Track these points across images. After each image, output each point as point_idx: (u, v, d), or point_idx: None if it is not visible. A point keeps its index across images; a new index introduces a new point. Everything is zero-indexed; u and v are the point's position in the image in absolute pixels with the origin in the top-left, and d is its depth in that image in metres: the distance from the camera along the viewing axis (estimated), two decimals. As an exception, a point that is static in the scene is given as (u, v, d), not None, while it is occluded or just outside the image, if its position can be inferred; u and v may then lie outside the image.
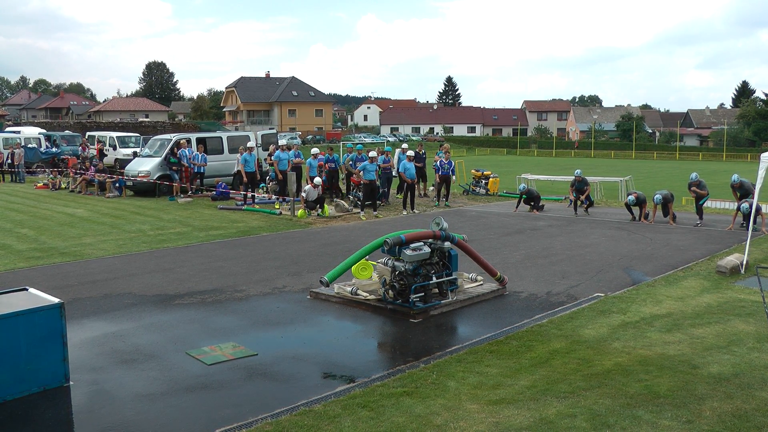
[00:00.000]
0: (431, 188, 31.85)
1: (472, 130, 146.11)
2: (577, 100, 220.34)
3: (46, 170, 42.60)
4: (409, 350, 10.55)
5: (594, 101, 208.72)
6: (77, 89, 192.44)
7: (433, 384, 8.88)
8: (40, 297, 9.85)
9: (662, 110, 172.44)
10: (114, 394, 8.99)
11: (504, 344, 10.52)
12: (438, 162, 28.78)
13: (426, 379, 9.05)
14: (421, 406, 8.17)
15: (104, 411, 8.48)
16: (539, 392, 8.52)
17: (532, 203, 26.68)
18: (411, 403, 8.27)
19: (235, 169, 30.53)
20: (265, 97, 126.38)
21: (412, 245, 12.32)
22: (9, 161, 41.29)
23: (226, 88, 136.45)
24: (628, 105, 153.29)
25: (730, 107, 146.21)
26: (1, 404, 8.70)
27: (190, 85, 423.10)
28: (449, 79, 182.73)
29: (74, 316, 11.94)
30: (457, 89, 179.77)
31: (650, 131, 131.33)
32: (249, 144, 29.98)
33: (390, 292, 12.45)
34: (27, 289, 10.31)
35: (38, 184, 37.02)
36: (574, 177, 25.83)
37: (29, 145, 45.86)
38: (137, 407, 8.55)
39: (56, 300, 9.50)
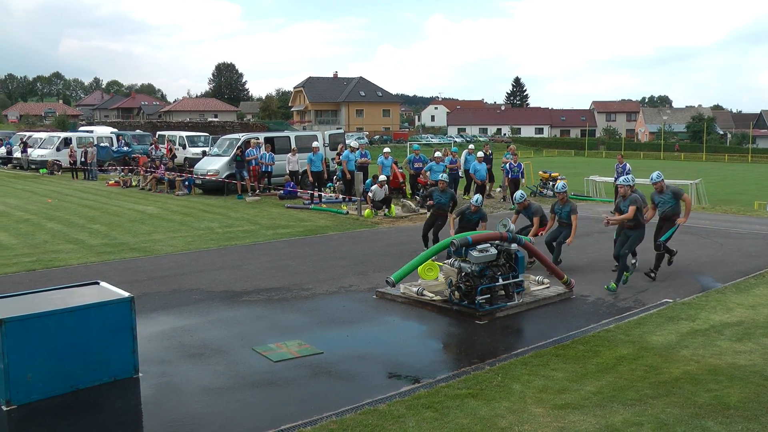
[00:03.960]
0: (498, 189, 31.70)
1: (540, 131, 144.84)
2: (646, 100, 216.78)
3: (118, 168, 43.43)
4: (475, 352, 10.52)
5: (664, 102, 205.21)
6: (148, 90, 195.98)
7: (498, 386, 8.85)
8: (110, 291, 10.09)
9: (734, 111, 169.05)
10: (181, 387, 9.16)
11: (570, 348, 10.43)
12: (507, 164, 28.58)
13: (491, 382, 9.02)
14: (485, 408, 8.15)
15: (171, 403, 8.66)
16: (605, 398, 8.42)
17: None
18: (476, 405, 8.25)
19: (288, 169, 30.75)
20: (333, 97, 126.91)
21: (479, 246, 12.28)
22: (82, 159, 42.24)
23: (294, 88, 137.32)
24: (699, 105, 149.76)
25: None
26: (74, 392, 8.97)
27: (259, 86, 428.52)
28: (517, 80, 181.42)
29: (143, 310, 12.18)
30: (525, 90, 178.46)
31: (722, 132, 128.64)
32: (314, 144, 30.20)
33: (456, 293, 12.42)
34: (98, 283, 10.57)
35: (110, 182, 37.81)
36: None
37: (101, 144, 46.86)
38: (203, 401, 8.70)
39: (126, 294, 9.72)
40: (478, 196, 16.05)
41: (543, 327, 11.79)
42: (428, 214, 15.65)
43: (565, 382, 9.00)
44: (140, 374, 9.53)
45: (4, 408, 8.53)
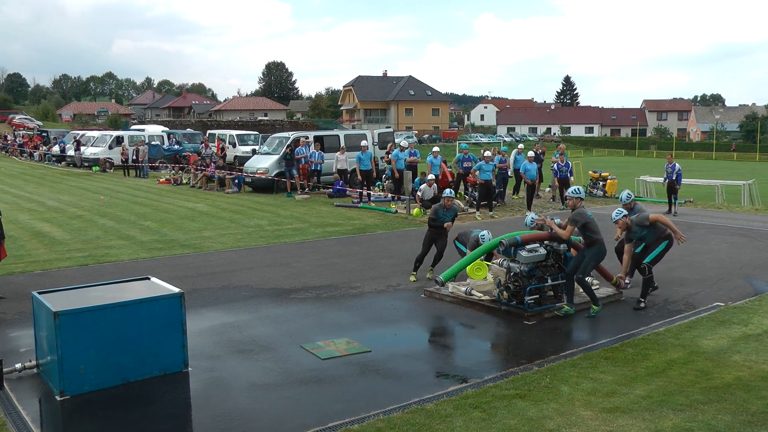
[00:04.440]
0: (547, 189, 31.48)
1: (590, 130, 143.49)
2: (698, 99, 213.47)
3: (169, 166, 43.93)
4: (523, 352, 10.47)
5: (716, 100, 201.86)
6: (199, 89, 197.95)
7: (546, 388, 8.81)
8: (161, 286, 10.24)
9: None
10: (230, 382, 9.26)
11: (619, 351, 10.33)
12: (556, 164, 28.35)
13: (539, 383, 8.98)
14: (533, 409, 8.11)
15: (220, 398, 8.75)
16: (655, 403, 8.33)
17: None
18: (523, 406, 8.22)
19: (336, 168, 30.82)
20: (382, 95, 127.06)
21: (528, 246, 12.22)
22: (134, 157, 42.83)
23: (344, 87, 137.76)
24: (753, 104, 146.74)
25: None
26: (125, 384, 9.13)
27: (309, 84, 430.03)
28: (567, 79, 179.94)
29: (193, 306, 12.33)
30: (575, 89, 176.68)
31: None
32: (363, 143, 30.24)
33: (504, 293, 12.37)
34: (149, 279, 10.75)
35: (161, 180, 38.26)
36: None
37: (153, 143, 47.45)
38: (252, 396, 8.78)
39: (177, 289, 9.87)
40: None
41: (592, 329, 11.69)
42: (427, 230, 15.12)
43: (614, 386, 8.92)
44: (190, 369, 9.66)
45: (58, 398, 8.72)
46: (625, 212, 12.84)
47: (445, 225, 14.84)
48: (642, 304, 12.82)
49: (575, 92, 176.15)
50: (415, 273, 14.69)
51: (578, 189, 12.67)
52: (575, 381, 9.06)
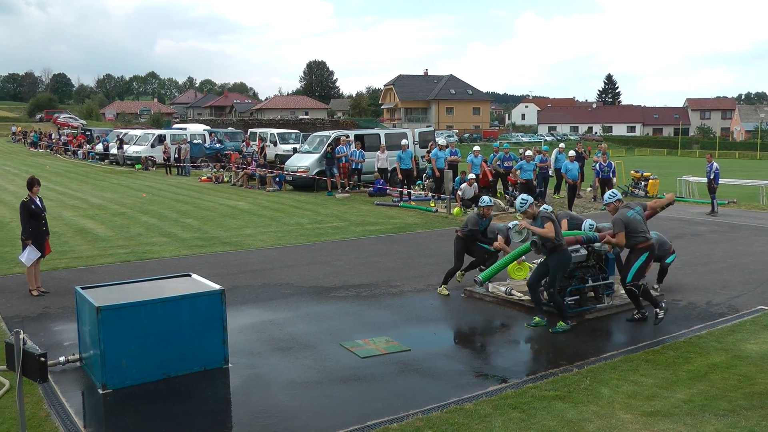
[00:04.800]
0: (588, 189, 31.22)
1: (632, 129, 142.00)
2: (742, 97, 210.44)
3: (210, 165, 44.30)
4: (562, 354, 10.39)
5: (761, 98, 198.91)
6: (240, 88, 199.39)
7: (586, 390, 8.75)
8: (202, 283, 10.33)
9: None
10: (269, 380, 9.32)
11: (660, 354, 10.22)
12: (598, 164, 28.07)
13: (579, 385, 8.92)
14: (573, 411, 8.06)
15: (260, 394, 8.81)
16: (697, 407, 8.22)
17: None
18: (563, 407, 8.17)
19: (377, 167, 30.83)
20: (423, 94, 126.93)
21: (570, 247, 12.14)
22: (176, 156, 43.27)
23: (385, 85, 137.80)
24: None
25: None
26: (166, 379, 9.23)
27: (349, 83, 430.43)
28: (609, 77, 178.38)
29: (234, 303, 12.41)
30: (617, 87, 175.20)
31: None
32: (404, 142, 30.24)
33: (545, 293, 12.31)
34: (190, 275, 10.84)
35: (202, 178, 38.59)
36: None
37: (194, 141, 47.96)
38: (291, 394, 8.82)
39: (217, 286, 9.94)
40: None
41: (632, 331, 11.56)
42: (457, 239, 14.27)
43: (655, 389, 8.82)
44: (230, 365, 9.73)
45: (101, 391, 8.84)
46: (620, 196, 12.31)
47: (495, 245, 14.37)
48: (637, 315, 11.93)
49: (617, 91, 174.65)
50: (446, 286, 13.95)
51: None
52: (615, 383, 8.98)
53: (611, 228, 12.64)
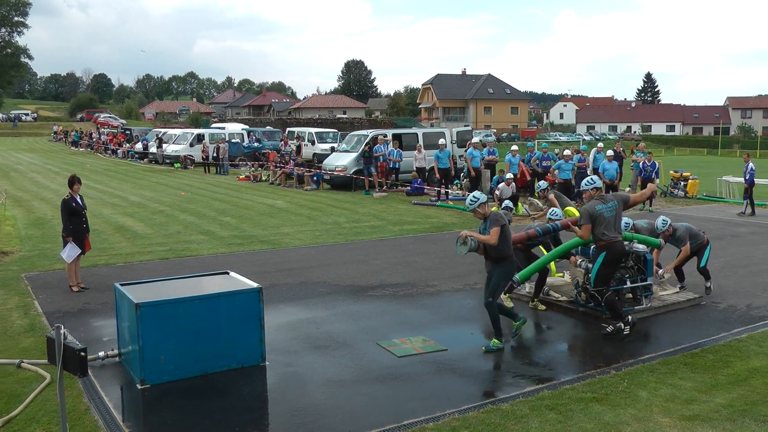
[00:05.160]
0: (627, 189, 30.87)
1: (671, 128, 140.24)
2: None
3: (248, 163, 44.55)
4: (600, 355, 10.31)
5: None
6: (278, 87, 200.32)
7: (623, 392, 8.67)
8: (240, 281, 10.39)
9: None
10: (306, 378, 9.35)
11: (699, 357, 10.09)
12: (641, 163, 27.73)
13: (616, 387, 8.85)
14: (610, 413, 8.00)
15: (296, 392, 8.85)
16: (736, 412, 8.10)
17: None
18: (600, 409, 8.11)
19: (415, 166, 30.78)
20: (461, 94, 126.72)
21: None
22: (214, 155, 43.53)
23: (423, 85, 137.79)
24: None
25: None
26: (203, 376, 9.30)
27: (387, 82, 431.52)
28: (648, 76, 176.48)
29: (271, 301, 12.44)
30: (657, 86, 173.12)
31: None
32: (441, 141, 30.20)
33: (582, 294, 12.23)
34: (228, 273, 10.92)
35: (240, 176, 38.81)
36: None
37: (233, 140, 48.28)
38: (327, 392, 8.85)
39: (255, 284, 9.99)
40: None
41: (671, 333, 11.43)
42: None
43: (694, 393, 8.71)
44: (267, 363, 9.78)
45: (139, 386, 8.94)
46: (598, 185, 11.27)
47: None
48: (610, 328, 11.04)
49: (656, 89, 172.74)
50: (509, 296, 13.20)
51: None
52: (653, 386, 8.89)
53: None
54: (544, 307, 12.80)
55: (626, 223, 12.91)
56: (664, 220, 13.06)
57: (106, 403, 8.50)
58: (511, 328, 10.84)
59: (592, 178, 11.37)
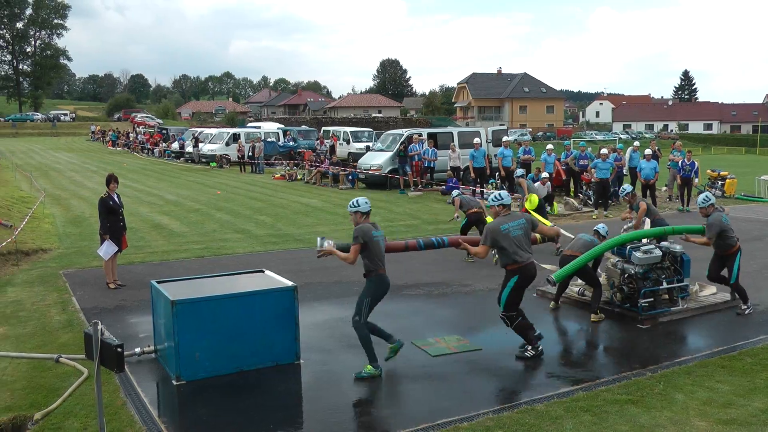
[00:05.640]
0: (663, 188, 30.50)
1: (709, 127, 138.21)
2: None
3: (284, 162, 44.71)
4: (636, 357, 10.22)
5: None
6: (314, 87, 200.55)
7: (659, 395, 8.59)
8: (275, 279, 10.46)
9: None
10: (341, 376, 9.40)
11: (737, 360, 9.96)
12: (679, 162, 27.27)
13: (652, 389, 8.77)
14: (646, 416, 7.93)
15: (331, 391, 8.91)
16: (775, 416, 7.99)
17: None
18: (636, 412, 8.04)
19: (450, 165, 30.70)
20: (497, 93, 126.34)
21: (643, 248, 11.94)
22: (250, 154, 43.71)
23: (458, 84, 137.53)
24: None
25: None
26: (239, 373, 9.38)
27: (423, 81, 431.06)
28: (686, 73, 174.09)
29: (306, 300, 12.50)
30: (694, 83, 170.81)
31: None
32: (476, 140, 30.12)
33: (618, 294, 12.14)
34: (263, 272, 10.99)
35: (276, 175, 38.91)
36: None
37: (268, 139, 48.54)
38: (362, 390, 8.90)
39: (290, 283, 10.06)
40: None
41: (708, 335, 11.31)
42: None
43: (731, 396, 8.61)
44: (301, 361, 9.83)
45: (174, 382, 9.04)
46: (505, 201, 10.18)
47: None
48: (527, 353, 10.11)
49: (694, 87, 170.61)
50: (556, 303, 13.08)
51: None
52: (690, 389, 8.80)
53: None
54: (555, 305, 12.84)
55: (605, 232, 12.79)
56: (706, 197, 12.30)
57: (142, 398, 8.61)
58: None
59: (499, 194, 10.30)
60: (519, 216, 10.32)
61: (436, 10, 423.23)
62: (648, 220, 14.15)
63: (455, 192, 18.37)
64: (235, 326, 9.39)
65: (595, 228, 13.19)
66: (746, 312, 12.04)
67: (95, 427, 7.40)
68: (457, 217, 17.66)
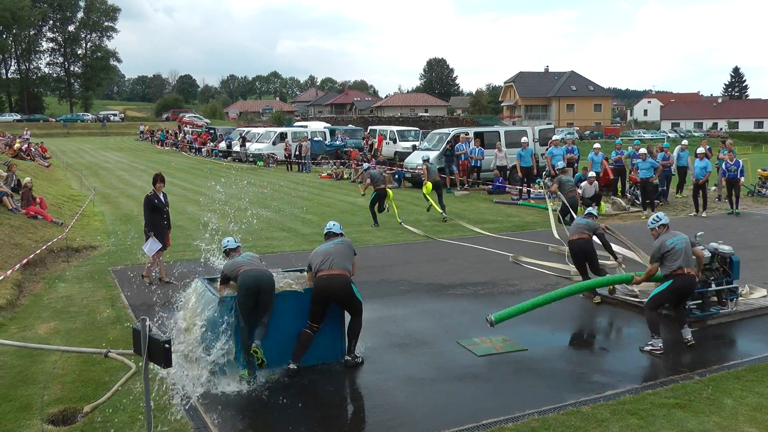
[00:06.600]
0: (713, 188, 29.97)
1: (760, 125, 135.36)
2: None
3: (330, 161, 44.88)
4: (683, 360, 10.10)
5: None
6: (361, 86, 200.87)
7: (707, 399, 8.48)
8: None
9: None
10: (386, 375, 9.42)
11: (789, 364, 9.80)
12: (724, 163, 26.60)
13: (700, 393, 8.66)
14: (693, 421, 7.83)
15: (375, 390, 8.95)
16: (828, 423, 7.82)
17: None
18: (683, 416, 7.95)
19: (496, 164, 30.56)
20: (544, 91, 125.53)
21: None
22: (297, 153, 43.93)
23: (505, 83, 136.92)
24: None
25: None
26: (285, 370, 9.43)
27: (469, 80, 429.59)
28: (736, 70, 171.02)
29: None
30: (744, 80, 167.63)
31: None
32: (524, 139, 29.96)
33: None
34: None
35: (323, 174, 39.08)
36: None
37: (315, 139, 48.70)
38: (407, 390, 8.89)
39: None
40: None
41: (759, 339, 11.10)
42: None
43: (783, 402, 8.46)
44: (347, 358, 9.84)
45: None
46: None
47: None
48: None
49: (744, 84, 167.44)
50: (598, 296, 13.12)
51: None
52: (739, 394, 8.67)
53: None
54: (599, 300, 12.93)
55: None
56: (655, 218, 10.96)
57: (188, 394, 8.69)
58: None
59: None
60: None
61: (483, 9, 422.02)
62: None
63: (365, 165, 18.95)
64: (280, 324, 9.47)
65: (587, 210, 13.26)
66: (647, 349, 10.36)
67: (143, 421, 7.50)
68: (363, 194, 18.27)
